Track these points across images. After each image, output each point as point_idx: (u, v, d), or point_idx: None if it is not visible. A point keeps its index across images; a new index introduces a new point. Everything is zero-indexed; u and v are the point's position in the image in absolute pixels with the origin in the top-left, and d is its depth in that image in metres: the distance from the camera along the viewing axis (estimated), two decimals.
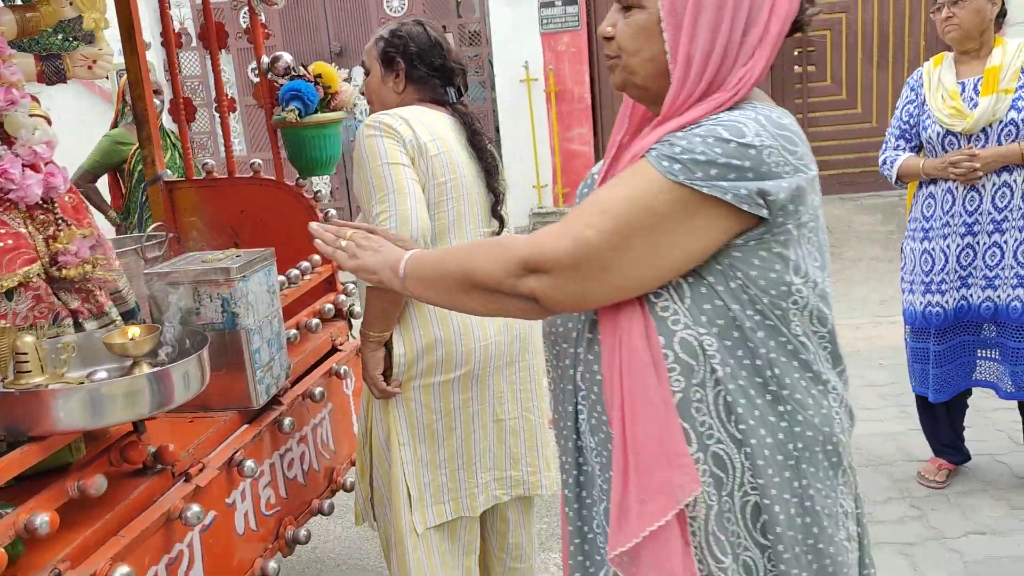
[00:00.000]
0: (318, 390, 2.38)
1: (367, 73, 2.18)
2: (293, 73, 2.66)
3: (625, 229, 1.14)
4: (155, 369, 1.63)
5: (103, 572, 1.48)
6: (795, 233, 1.18)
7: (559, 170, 7.32)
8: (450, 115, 2.14)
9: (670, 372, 1.19)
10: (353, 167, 2.09)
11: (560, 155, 7.32)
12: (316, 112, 2.67)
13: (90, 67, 2.21)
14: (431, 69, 2.13)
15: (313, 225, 1.44)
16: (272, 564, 2.08)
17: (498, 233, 2.18)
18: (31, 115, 1.85)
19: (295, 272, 2.54)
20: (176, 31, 2.74)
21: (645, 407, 1.19)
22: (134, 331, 1.71)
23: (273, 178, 2.82)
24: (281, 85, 2.64)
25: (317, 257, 2.65)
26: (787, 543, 1.22)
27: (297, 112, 2.59)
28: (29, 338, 1.55)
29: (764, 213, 1.14)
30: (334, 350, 2.68)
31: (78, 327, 1.86)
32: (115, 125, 4.47)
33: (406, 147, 2.01)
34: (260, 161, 2.82)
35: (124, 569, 1.49)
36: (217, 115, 2.78)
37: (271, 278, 2.16)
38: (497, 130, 7.40)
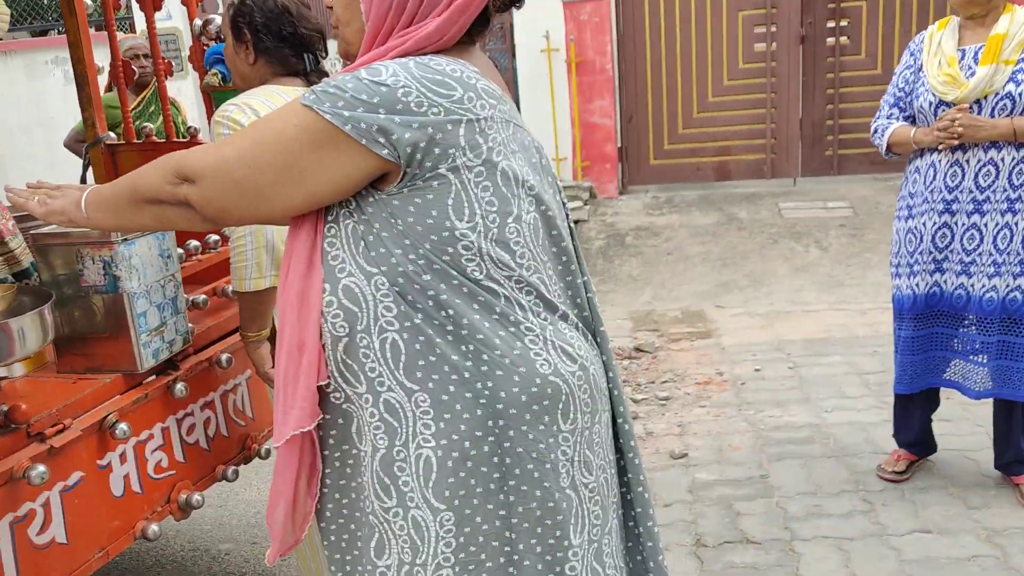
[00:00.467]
0: (225, 356, 2.36)
1: (223, 41, 2.14)
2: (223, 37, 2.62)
3: (258, 151, 1.20)
4: None
5: None
6: (451, 178, 1.19)
7: (578, 143, 7.20)
8: (306, 86, 2.08)
9: (335, 318, 1.24)
10: None
11: (580, 127, 7.18)
12: None
13: None
14: (279, 40, 2.06)
15: (5, 187, 1.47)
16: (154, 527, 2.08)
17: None
18: None
19: (214, 237, 2.53)
20: None
21: (291, 340, 1.26)
22: None
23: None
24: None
25: None
26: (480, 479, 1.23)
27: (221, 76, 2.57)
28: None
29: (385, 152, 1.16)
30: None
31: None
32: (109, 89, 4.53)
33: None
34: (197, 125, 2.81)
35: None
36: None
37: (165, 242, 2.15)
38: (517, 100, 7.29)
